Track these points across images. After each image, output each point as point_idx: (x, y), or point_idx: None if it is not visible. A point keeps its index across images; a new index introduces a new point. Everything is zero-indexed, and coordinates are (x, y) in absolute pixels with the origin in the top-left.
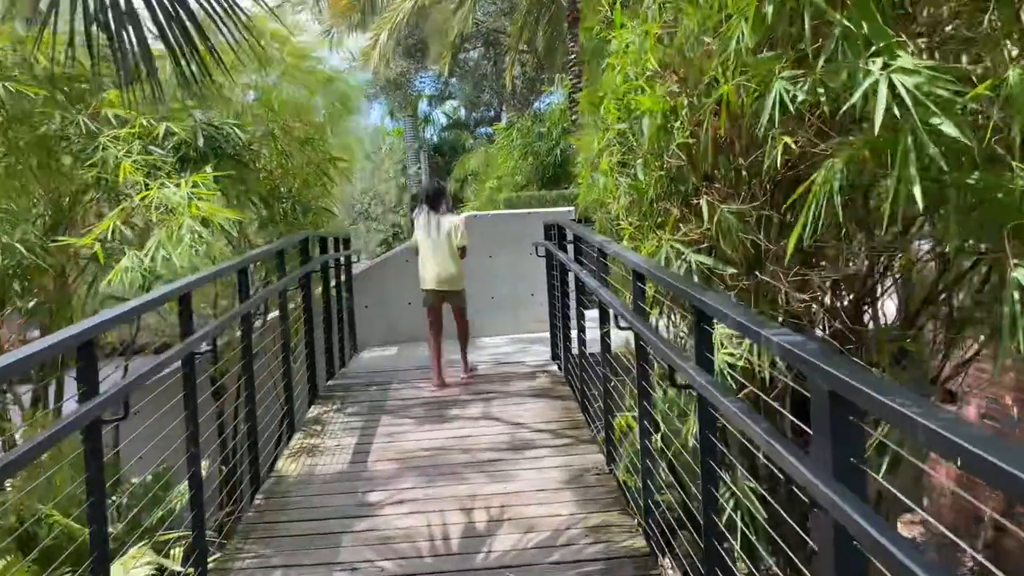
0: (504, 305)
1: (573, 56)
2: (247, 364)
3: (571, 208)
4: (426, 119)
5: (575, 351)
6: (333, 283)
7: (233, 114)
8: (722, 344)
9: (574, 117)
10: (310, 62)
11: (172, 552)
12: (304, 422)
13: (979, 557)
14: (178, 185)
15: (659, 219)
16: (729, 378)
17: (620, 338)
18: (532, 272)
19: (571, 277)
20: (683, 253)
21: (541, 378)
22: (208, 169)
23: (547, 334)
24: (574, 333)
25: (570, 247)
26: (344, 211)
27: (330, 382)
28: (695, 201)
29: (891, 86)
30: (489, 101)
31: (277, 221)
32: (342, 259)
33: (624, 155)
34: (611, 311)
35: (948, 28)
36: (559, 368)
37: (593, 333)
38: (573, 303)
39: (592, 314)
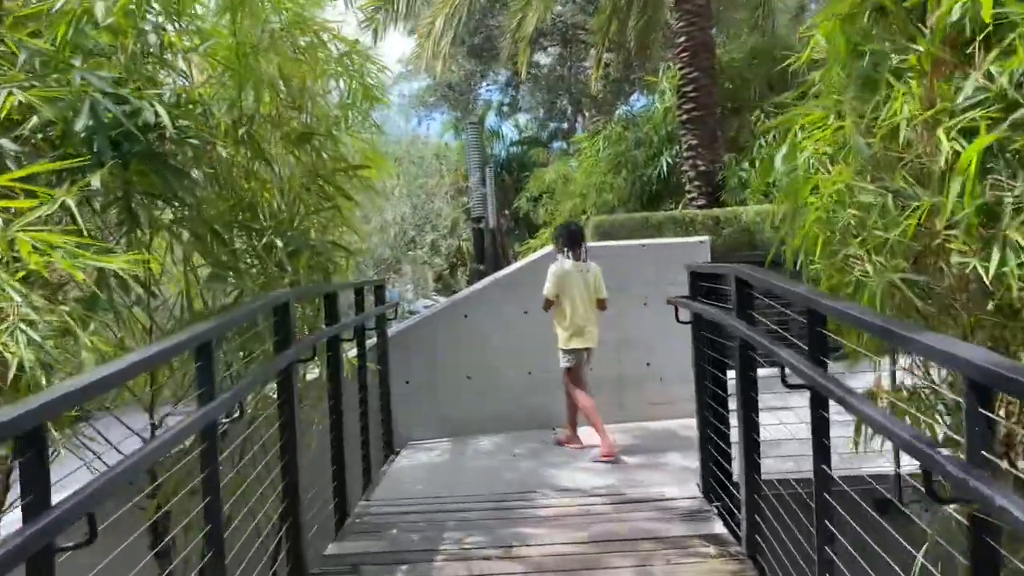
0: (606, 381)
1: (683, 39)
2: None
3: (701, 239)
4: (493, 133)
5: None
6: (354, 352)
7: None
8: None
9: (683, 116)
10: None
11: None
12: None
13: None
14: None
15: None
16: None
17: None
18: (646, 331)
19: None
20: None
21: (697, 546)
22: (96, 178)
23: (671, 424)
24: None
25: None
26: (382, 243)
27: (335, 542)
28: None
29: None
30: (564, 109)
31: (240, 271)
32: (370, 320)
33: None
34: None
35: None
36: (719, 514)
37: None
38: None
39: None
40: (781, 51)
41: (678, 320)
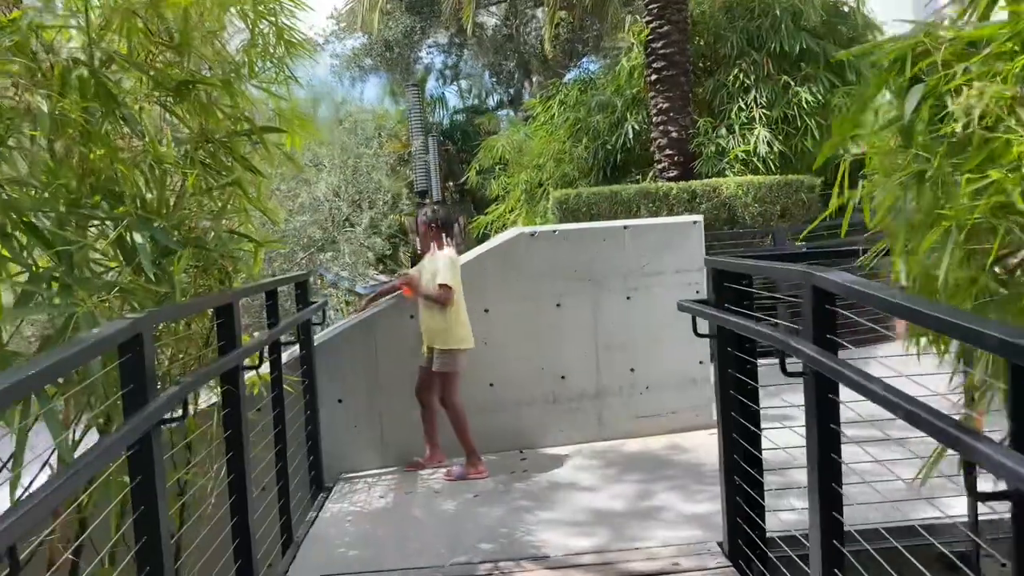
0: (581, 390)
1: None
2: None
3: (694, 219)
4: (435, 99)
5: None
6: (267, 369)
7: None
8: None
9: (651, 76)
10: None
11: None
12: None
13: None
14: None
15: None
16: None
17: None
18: (630, 331)
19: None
20: None
21: None
22: None
23: (660, 442)
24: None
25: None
26: (312, 223)
27: None
28: None
29: None
30: (511, 73)
31: (71, 285)
32: (289, 333)
33: None
34: None
35: None
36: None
37: None
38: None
39: None
40: (760, 2)
41: (696, 333)
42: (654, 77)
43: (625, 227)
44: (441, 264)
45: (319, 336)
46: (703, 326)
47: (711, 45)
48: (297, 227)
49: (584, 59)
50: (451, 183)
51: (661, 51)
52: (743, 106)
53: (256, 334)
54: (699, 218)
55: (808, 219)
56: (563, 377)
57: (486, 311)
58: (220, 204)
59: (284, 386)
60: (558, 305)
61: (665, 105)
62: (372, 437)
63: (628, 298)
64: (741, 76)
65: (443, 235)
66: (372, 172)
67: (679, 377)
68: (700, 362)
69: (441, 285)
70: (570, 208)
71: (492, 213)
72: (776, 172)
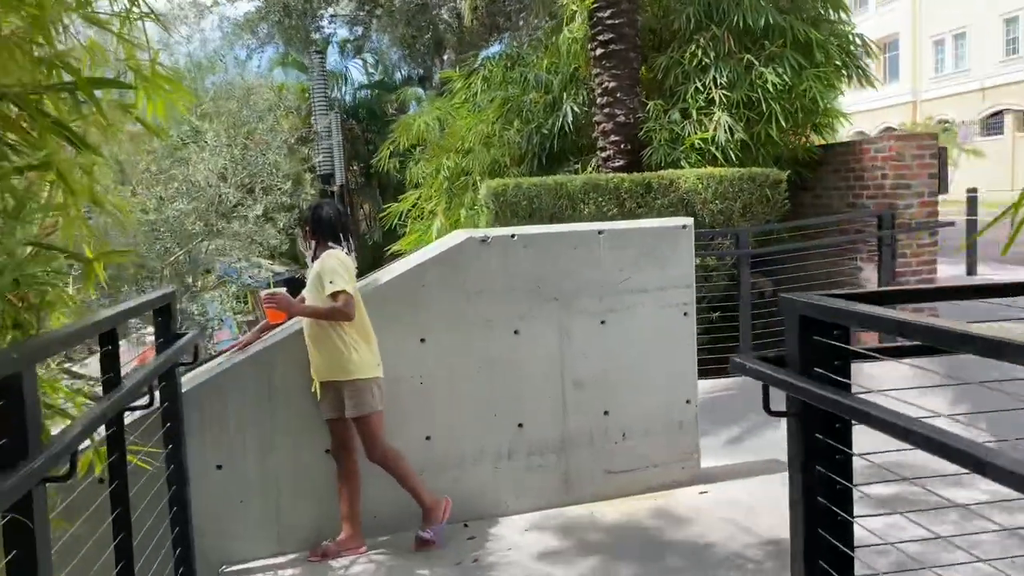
0: (542, 442)
1: None
2: None
3: (683, 222)
4: (337, 73)
5: None
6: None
7: None
8: None
9: (597, 51)
10: None
11: None
12: None
13: None
14: None
15: None
16: None
17: None
18: (604, 363)
19: None
20: None
21: None
22: None
23: (643, 506)
24: None
25: None
26: (192, 213)
27: None
28: None
29: None
30: (424, 47)
31: None
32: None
33: None
34: None
35: None
36: None
37: None
38: None
39: None
40: None
41: (769, 411)
42: (599, 52)
43: (600, 232)
44: (330, 266)
45: (192, 376)
46: (777, 396)
47: (663, 17)
48: (171, 217)
49: (506, 33)
50: (356, 165)
51: (608, 21)
52: (700, 87)
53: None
54: (689, 221)
55: (772, 219)
56: (520, 425)
57: (422, 341)
58: (17, 198)
59: (137, 460)
60: (516, 332)
61: (612, 84)
62: (265, 514)
63: (603, 322)
64: (699, 53)
65: (330, 239)
66: (267, 152)
67: (663, 420)
68: (687, 401)
69: (335, 293)
70: (508, 201)
71: (406, 200)
72: (737, 164)
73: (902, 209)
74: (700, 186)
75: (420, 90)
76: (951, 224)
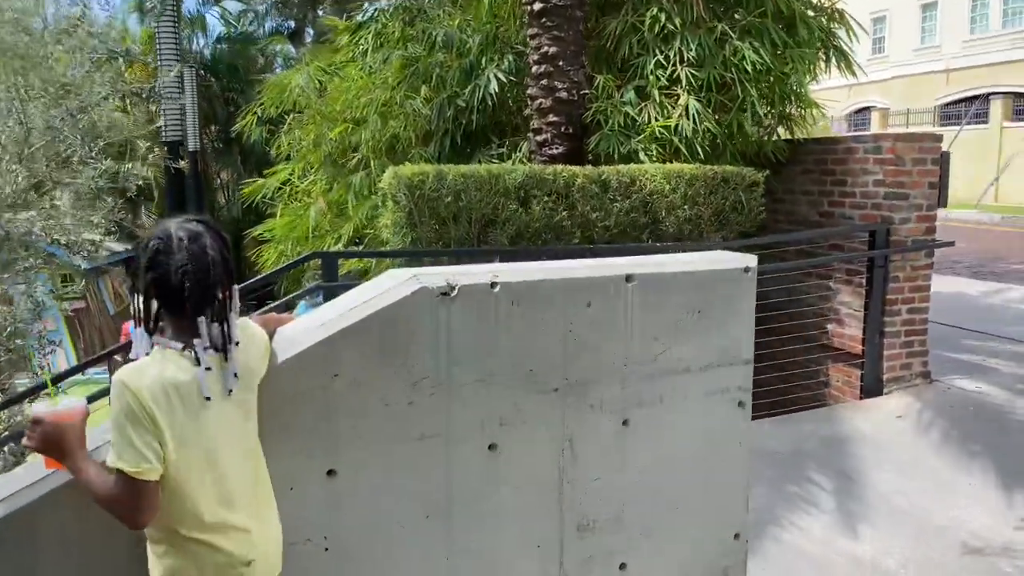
0: None
1: None
2: None
3: (746, 264)
4: (192, 20)
5: None
6: None
7: None
8: None
9: (533, 5)
10: None
11: None
12: None
13: None
14: None
15: None
16: None
17: None
18: (628, 488)
19: None
20: None
21: None
22: None
23: None
24: None
25: None
26: None
27: None
28: None
29: None
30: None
31: None
32: None
33: None
34: None
35: None
36: None
37: None
38: None
39: None
40: None
41: None
42: (539, 7)
43: (629, 279)
44: (117, 409)
45: None
46: None
47: None
48: None
49: None
50: (214, 127)
51: None
52: (663, 62)
53: None
54: (752, 261)
55: (747, 229)
56: None
57: (331, 474)
58: None
59: None
60: (491, 447)
61: (552, 49)
62: None
63: (625, 422)
64: (662, 18)
65: (171, 310)
66: (95, 109)
67: (703, 569)
68: (735, 536)
69: (112, 467)
70: (426, 196)
71: (275, 175)
72: (704, 159)
73: (898, 224)
74: (667, 187)
75: (290, 47)
76: (951, 244)
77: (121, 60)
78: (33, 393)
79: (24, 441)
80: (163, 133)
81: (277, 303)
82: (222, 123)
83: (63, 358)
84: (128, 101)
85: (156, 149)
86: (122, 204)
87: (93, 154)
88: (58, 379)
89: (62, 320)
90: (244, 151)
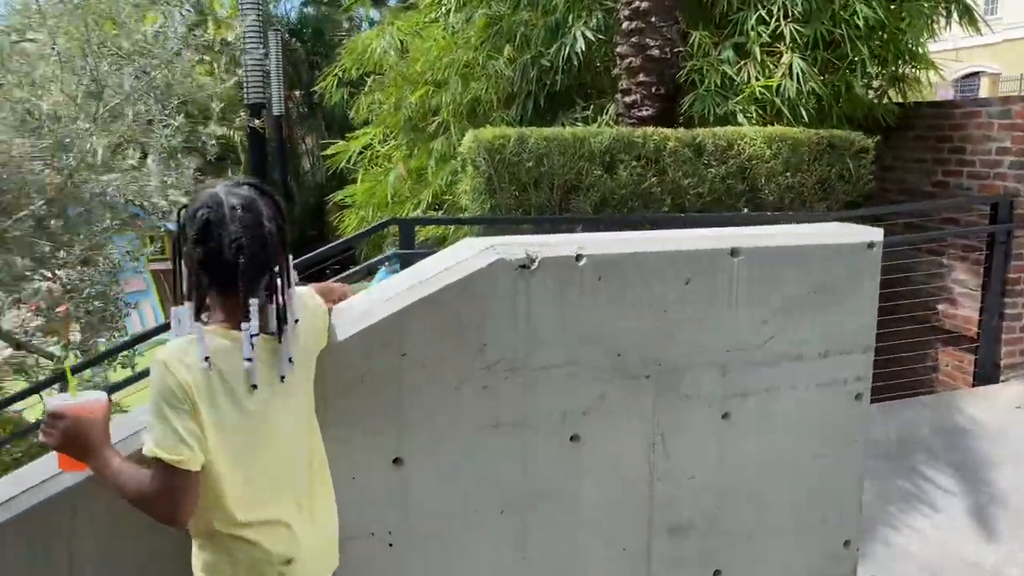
0: None
1: None
2: None
3: (870, 238)
4: None
5: None
6: None
7: None
8: None
9: None
10: None
11: None
12: None
13: None
14: None
15: None
16: None
17: None
18: (727, 489)
19: None
20: None
21: None
22: None
23: None
24: None
25: None
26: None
27: None
28: None
29: None
30: None
31: None
32: None
33: None
34: None
35: None
36: None
37: None
38: None
39: None
40: None
41: None
42: None
43: (734, 252)
44: (156, 391)
45: None
46: None
47: None
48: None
49: None
50: (298, 92)
51: None
52: (765, 16)
53: None
54: (877, 235)
55: (855, 199)
56: None
57: (396, 463)
58: None
59: None
60: (574, 439)
61: (645, 4)
62: None
63: (725, 415)
64: None
65: (221, 288)
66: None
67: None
68: (845, 543)
69: (155, 460)
70: (506, 161)
71: (357, 140)
72: (809, 123)
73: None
74: (768, 152)
75: (374, 11)
76: None
77: (208, 21)
78: (111, 355)
79: (41, 438)
80: (245, 95)
81: (357, 268)
82: (306, 88)
83: (152, 318)
84: (214, 64)
85: (242, 113)
86: (206, 166)
87: (167, 112)
88: (140, 339)
89: (151, 279)
90: (327, 116)
